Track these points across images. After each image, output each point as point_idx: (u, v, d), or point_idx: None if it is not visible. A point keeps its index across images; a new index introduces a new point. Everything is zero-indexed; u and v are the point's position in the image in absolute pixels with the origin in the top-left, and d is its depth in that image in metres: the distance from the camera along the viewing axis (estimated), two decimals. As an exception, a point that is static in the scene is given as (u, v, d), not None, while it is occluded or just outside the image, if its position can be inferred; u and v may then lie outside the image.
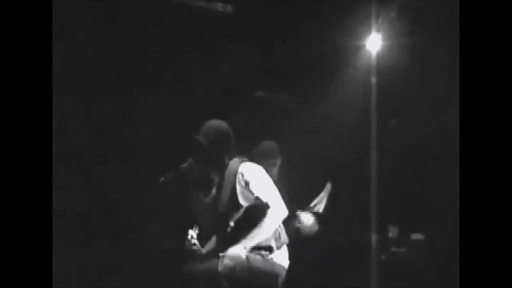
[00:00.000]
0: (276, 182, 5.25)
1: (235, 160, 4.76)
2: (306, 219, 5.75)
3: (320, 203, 5.81)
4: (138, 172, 6.66)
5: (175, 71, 6.90)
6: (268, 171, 5.23)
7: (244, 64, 7.06)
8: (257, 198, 4.62)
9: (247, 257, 4.57)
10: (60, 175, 4.83)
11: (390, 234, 7.33)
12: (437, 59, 6.87)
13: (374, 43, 7.12)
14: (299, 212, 5.76)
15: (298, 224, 5.71)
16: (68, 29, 6.20)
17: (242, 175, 4.67)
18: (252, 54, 7.01)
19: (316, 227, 5.79)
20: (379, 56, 7.11)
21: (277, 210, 4.62)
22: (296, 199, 5.75)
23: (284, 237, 4.80)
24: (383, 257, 7.23)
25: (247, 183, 4.65)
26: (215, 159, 4.74)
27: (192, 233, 4.75)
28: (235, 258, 4.52)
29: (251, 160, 4.82)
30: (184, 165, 4.71)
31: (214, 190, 4.80)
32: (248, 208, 4.66)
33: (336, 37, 7.01)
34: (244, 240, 4.56)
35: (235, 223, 4.67)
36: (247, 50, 6.97)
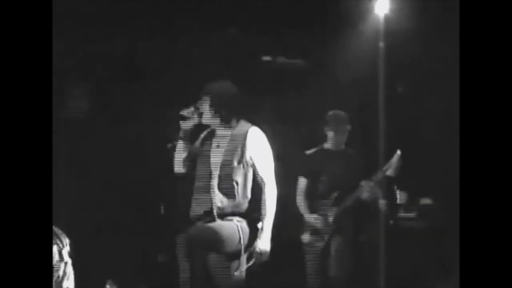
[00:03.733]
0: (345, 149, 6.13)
1: (242, 122, 4.75)
2: (369, 187, 6.22)
3: (390, 168, 6.23)
4: (139, 170, 6.72)
5: (179, 47, 6.90)
6: (340, 137, 6.17)
7: (249, 29, 7.00)
8: (253, 165, 4.64)
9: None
10: (60, 175, 4.82)
11: (398, 199, 7.34)
12: (447, 23, 6.76)
13: (382, 6, 7.01)
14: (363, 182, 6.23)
15: (366, 194, 6.21)
16: (68, 28, 6.20)
17: (253, 139, 4.67)
18: (256, 18, 6.95)
19: (378, 194, 6.32)
20: (387, 19, 7.01)
21: (272, 189, 4.67)
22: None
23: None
24: (391, 222, 7.21)
25: (253, 148, 4.65)
26: (223, 119, 4.74)
27: None
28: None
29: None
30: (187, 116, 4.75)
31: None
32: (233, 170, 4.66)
33: (344, 0, 6.94)
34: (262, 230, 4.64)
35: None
36: (251, 14, 6.91)
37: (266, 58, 7.40)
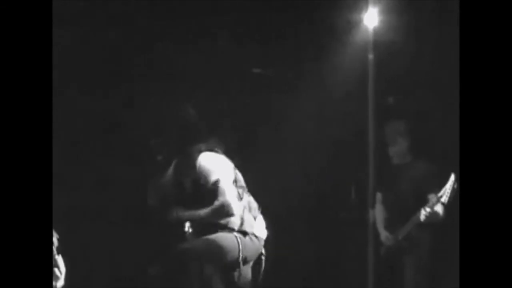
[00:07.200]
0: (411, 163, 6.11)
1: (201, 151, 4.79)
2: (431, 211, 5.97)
3: (445, 195, 5.93)
4: (140, 168, 6.72)
5: (172, 55, 6.92)
6: (395, 149, 6.16)
7: (241, 40, 7.03)
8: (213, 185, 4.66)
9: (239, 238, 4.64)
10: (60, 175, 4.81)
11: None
12: (435, 35, 6.83)
13: (371, 18, 7.06)
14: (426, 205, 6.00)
15: (424, 216, 5.98)
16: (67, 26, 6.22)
17: (203, 169, 4.71)
18: (247, 29, 6.98)
19: (440, 216, 6.04)
20: (376, 31, 7.05)
21: (223, 207, 4.67)
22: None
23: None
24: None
25: (207, 174, 4.68)
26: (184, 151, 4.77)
27: (188, 225, 4.81)
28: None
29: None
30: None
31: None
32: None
33: (332, 12, 6.97)
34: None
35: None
36: (243, 25, 6.95)
37: (256, 70, 7.42)
